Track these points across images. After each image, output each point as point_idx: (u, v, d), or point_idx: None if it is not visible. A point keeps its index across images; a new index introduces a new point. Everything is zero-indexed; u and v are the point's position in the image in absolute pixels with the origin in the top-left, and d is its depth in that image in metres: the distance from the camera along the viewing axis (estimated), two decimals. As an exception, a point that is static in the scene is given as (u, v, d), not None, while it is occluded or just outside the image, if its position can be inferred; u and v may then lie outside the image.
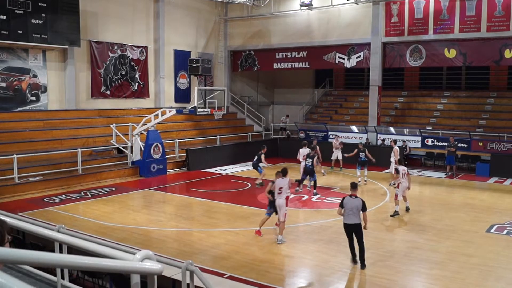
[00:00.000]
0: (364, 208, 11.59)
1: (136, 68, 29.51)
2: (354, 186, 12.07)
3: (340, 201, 12.00)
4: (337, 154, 26.24)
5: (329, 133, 31.12)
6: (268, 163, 22.72)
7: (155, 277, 4.64)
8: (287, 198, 13.69)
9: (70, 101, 25.91)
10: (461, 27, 26.48)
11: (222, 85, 34.48)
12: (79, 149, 21.93)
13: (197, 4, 33.35)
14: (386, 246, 13.19)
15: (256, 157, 21.82)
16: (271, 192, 13.81)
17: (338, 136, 28.48)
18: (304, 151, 21.93)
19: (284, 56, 33.60)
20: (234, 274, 10.86)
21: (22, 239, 10.68)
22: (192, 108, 25.25)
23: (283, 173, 13.88)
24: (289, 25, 32.82)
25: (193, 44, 33.46)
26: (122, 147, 24.31)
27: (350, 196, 11.78)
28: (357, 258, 11.65)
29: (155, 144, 23.95)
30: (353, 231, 11.67)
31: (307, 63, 32.93)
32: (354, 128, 31.40)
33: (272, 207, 13.96)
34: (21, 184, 19.43)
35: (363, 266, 11.44)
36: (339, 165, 26.24)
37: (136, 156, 24.15)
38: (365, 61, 30.27)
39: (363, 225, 11.67)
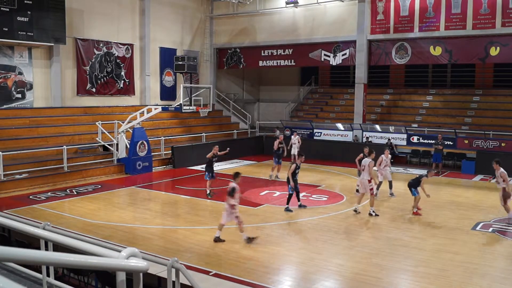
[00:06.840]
0: None
1: (121, 65, 29.38)
2: None
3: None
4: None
5: (315, 130, 31.15)
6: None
7: (141, 274, 4.62)
8: None
9: (55, 99, 25.79)
10: (447, 24, 26.66)
11: (207, 82, 34.49)
12: (64, 147, 21.84)
13: (182, 2, 33.28)
14: (371, 244, 13.22)
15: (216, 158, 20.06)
16: None
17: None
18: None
19: (269, 54, 33.62)
20: (219, 271, 10.85)
21: (8, 237, 10.62)
22: (177, 105, 25.23)
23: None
24: (274, 22, 32.85)
25: (178, 42, 33.40)
26: (108, 144, 24.19)
27: None
28: None
29: (140, 142, 23.87)
30: None
31: (292, 60, 32.99)
32: (339, 125, 31.45)
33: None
34: (6, 182, 19.32)
35: None
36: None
37: (122, 153, 24.06)
38: (351, 58, 30.35)
39: None
